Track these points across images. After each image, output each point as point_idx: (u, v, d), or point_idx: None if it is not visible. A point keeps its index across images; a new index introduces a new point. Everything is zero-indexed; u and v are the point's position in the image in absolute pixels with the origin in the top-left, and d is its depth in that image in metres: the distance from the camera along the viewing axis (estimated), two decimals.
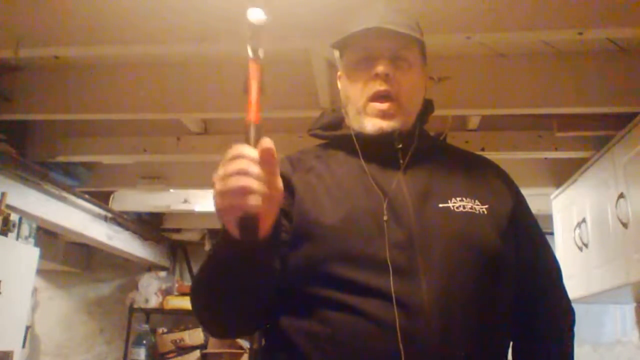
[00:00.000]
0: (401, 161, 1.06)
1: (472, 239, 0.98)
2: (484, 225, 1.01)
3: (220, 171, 0.75)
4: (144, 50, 2.04)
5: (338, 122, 1.15)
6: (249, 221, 0.75)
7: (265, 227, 0.79)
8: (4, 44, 1.89)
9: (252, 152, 0.75)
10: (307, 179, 1.04)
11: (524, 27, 1.77)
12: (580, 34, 1.75)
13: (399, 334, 0.87)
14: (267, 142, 0.75)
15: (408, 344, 0.87)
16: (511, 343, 1.11)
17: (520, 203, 1.13)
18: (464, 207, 1.01)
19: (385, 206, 0.98)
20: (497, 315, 0.99)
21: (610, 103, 2.22)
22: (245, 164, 0.74)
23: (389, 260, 0.92)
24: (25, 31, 1.87)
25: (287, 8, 1.71)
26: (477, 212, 1.02)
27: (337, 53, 1.21)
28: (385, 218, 0.96)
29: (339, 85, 1.17)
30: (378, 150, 1.07)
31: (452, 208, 1.01)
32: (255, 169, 0.74)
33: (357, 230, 0.96)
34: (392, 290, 0.90)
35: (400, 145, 1.06)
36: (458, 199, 1.02)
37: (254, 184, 0.73)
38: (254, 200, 0.73)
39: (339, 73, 1.16)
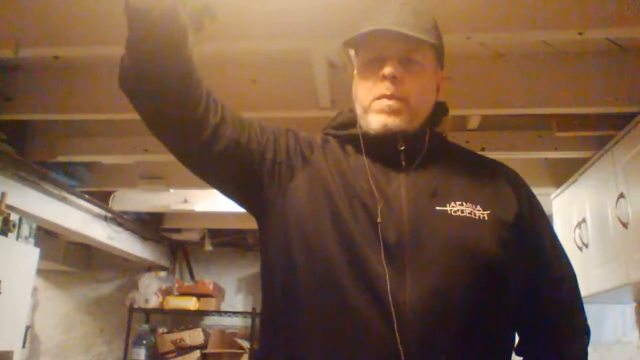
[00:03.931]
0: (403, 163, 1.05)
1: (465, 244, 0.98)
2: (481, 231, 1.00)
3: None
4: None
5: (352, 122, 1.15)
6: None
7: None
8: (4, 44, 1.88)
9: None
10: (321, 166, 1.07)
11: (524, 27, 1.77)
12: (580, 34, 1.75)
13: (397, 335, 0.90)
14: None
15: (390, 345, 0.89)
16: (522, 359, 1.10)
17: (530, 210, 1.11)
18: (462, 212, 1.01)
19: (380, 208, 0.99)
20: (490, 323, 0.98)
21: (610, 103, 2.22)
22: None
23: (384, 263, 0.94)
24: (25, 31, 1.87)
25: (287, 7, 1.71)
26: (477, 217, 1.01)
27: (352, 51, 1.21)
28: (379, 220, 0.97)
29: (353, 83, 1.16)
30: (381, 151, 1.07)
31: (449, 212, 1.00)
32: None
33: (353, 233, 0.98)
34: (389, 291, 0.92)
35: (403, 147, 1.06)
36: (458, 203, 1.02)
37: None
38: None
39: (354, 71, 1.16)
